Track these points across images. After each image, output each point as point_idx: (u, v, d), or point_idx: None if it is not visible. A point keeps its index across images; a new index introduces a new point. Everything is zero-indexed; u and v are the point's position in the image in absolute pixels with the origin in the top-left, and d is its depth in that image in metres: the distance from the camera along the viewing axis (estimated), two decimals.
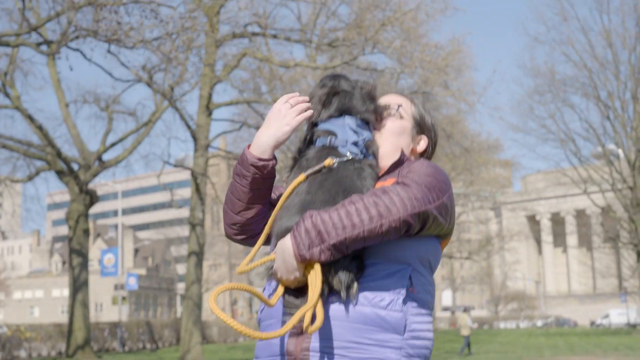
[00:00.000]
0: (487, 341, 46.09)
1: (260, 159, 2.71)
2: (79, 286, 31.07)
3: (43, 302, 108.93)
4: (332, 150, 2.70)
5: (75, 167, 31.66)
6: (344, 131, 2.74)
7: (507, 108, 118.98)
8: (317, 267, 2.47)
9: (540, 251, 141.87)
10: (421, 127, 2.97)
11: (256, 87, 30.38)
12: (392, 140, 2.87)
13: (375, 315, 2.52)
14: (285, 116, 2.74)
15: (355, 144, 2.71)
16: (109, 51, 22.40)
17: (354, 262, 2.53)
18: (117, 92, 38.97)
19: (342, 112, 2.79)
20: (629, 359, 25.67)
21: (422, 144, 2.96)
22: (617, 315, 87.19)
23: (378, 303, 2.53)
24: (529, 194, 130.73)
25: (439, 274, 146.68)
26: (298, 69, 29.35)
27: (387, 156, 2.83)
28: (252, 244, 2.87)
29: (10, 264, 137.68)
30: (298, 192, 2.63)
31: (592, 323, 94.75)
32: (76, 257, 31.35)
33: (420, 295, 2.64)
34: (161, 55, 20.73)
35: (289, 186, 2.65)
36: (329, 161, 2.62)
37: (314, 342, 2.52)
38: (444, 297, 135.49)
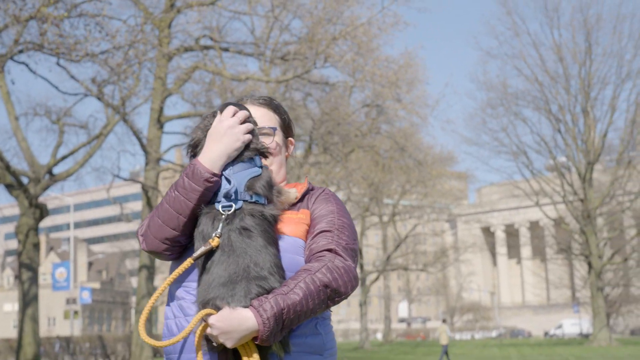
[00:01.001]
0: (440, 352, 46.23)
1: (214, 174, 2.68)
2: (28, 301, 30.63)
3: None
4: (213, 209, 2.71)
5: (24, 180, 31.24)
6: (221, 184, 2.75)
7: (460, 121, 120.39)
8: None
9: (494, 263, 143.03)
10: (286, 131, 3.07)
11: (208, 100, 30.31)
12: (275, 160, 2.98)
13: (302, 342, 2.71)
14: (235, 132, 2.73)
15: (227, 196, 2.70)
16: (57, 64, 22.21)
17: None
18: (69, 105, 38.67)
19: None
20: None
21: (291, 147, 3.10)
22: (570, 325, 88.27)
23: (303, 332, 2.73)
24: (483, 206, 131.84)
25: (395, 285, 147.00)
26: (251, 82, 29.33)
27: (274, 176, 2.92)
28: (169, 258, 2.84)
29: None
30: (213, 260, 2.65)
31: (546, 333, 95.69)
32: (26, 272, 30.92)
33: (328, 312, 2.89)
34: (109, 69, 20.57)
35: (169, 278, 2.74)
36: (214, 242, 2.64)
37: None
38: (400, 308, 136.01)
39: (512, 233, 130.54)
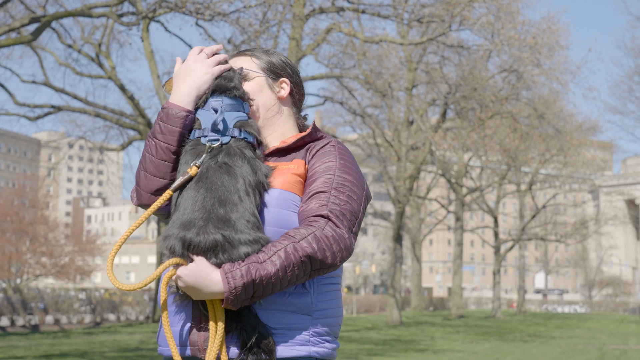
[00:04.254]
0: (575, 326, 45.27)
1: (188, 111, 2.59)
2: None
3: (139, 267, 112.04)
4: (197, 145, 2.58)
5: None
6: (207, 115, 2.62)
7: (603, 89, 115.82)
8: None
9: (638, 237, 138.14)
10: (275, 72, 2.80)
11: (339, 62, 30.38)
12: (256, 100, 2.75)
13: (284, 301, 2.52)
14: (203, 65, 2.63)
15: (215, 128, 2.57)
16: (197, 24, 22.73)
17: None
18: None
19: (213, 92, 2.65)
20: None
21: (285, 87, 2.81)
22: None
23: (287, 290, 2.52)
24: (627, 178, 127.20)
25: (532, 255, 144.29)
26: (386, 44, 29.16)
27: (258, 115, 2.76)
28: (165, 211, 2.67)
29: (110, 230, 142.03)
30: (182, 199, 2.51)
31: None
32: (164, 226, 32.13)
33: (334, 272, 2.66)
34: (241, 29, 20.91)
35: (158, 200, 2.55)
36: (192, 171, 2.52)
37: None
38: (537, 279, 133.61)
39: None
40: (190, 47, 27.87)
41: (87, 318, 33.78)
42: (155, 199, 2.63)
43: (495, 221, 57.71)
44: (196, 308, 2.52)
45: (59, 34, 30.37)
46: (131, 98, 29.41)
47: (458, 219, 52.02)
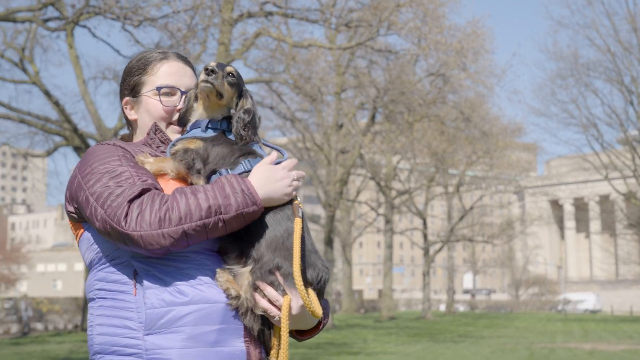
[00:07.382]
0: (503, 325, 45.99)
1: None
2: None
3: (66, 275, 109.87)
4: None
5: (92, 143, 31.83)
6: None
7: (527, 92, 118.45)
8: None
9: (562, 236, 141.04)
10: None
11: (268, 66, 30.39)
12: None
13: None
14: (290, 189, 2.67)
15: None
16: (123, 28, 22.47)
17: None
18: None
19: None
20: None
21: None
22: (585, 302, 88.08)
23: None
24: (551, 179, 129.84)
25: (460, 256, 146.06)
26: (314, 48, 29.25)
27: None
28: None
29: (35, 237, 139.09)
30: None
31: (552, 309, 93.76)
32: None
33: None
34: (169, 34, 20.74)
35: (297, 232, 2.51)
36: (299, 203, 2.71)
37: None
38: (465, 279, 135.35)
39: (580, 207, 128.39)
40: (118, 52, 27.60)
41: (14, 328, 33.04)
42: (177, 245, 2.42)
43: (424, 223, 58.31)
44: (247, 331, 2.54)
45: None
46: (56, 103, 28.87)
47: (387, 221, 52.39)
